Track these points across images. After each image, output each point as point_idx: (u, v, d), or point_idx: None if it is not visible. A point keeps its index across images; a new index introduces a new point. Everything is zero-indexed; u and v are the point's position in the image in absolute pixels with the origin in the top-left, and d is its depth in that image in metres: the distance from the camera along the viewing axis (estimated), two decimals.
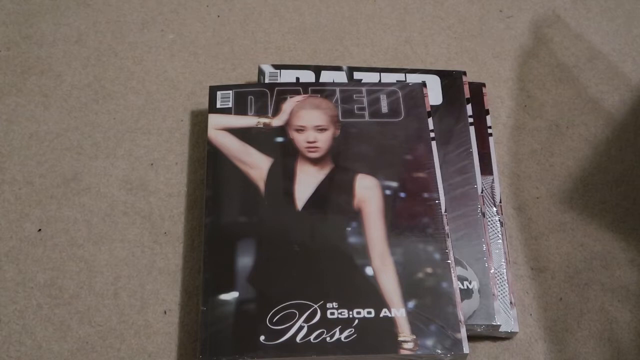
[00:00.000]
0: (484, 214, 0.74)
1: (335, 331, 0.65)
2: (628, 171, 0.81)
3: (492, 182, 0.77)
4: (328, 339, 0.65)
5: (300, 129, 0.75)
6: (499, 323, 0.69)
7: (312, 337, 0.65)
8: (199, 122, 0.82)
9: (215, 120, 0.76)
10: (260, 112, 0.77)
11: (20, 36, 0.87)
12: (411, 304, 0.67)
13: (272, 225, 0.71)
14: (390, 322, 0.66)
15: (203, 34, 0.89)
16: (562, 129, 0.84)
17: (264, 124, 0.76)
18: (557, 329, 0.72)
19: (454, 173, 0.76)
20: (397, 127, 0.76)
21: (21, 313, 0.70)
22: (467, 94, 0.81)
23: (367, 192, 0.72)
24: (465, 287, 0.70)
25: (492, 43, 0.90)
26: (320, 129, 0.76)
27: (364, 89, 0.79)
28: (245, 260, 0.69)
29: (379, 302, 0.67)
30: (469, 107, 0.80)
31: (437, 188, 0.73)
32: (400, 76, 0.82)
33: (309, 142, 0.75)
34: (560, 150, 0.82)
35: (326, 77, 0.81)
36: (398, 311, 0.66)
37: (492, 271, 0.72)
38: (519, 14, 0.93)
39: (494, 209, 0.75)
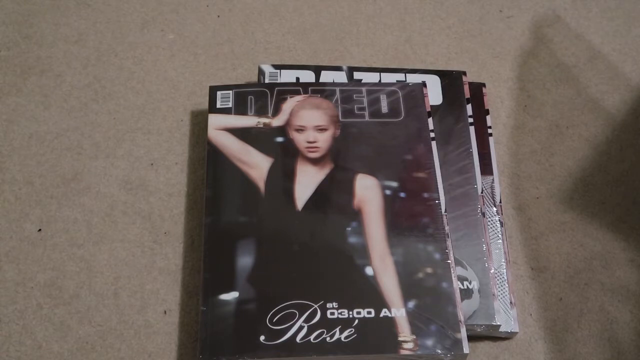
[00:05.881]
0: (484, 214, 0.74)
1: (335, 331, 0.65)
2: (628, 171, 0.81)
3: (492, 182, 0.77)
4: (328, 339, 0.65)
5: (300, 129, 0.75)
6: (499, 323, 0.69)
7: (312, 337, 0.65)
8: (199, 122, 0.82)
9: (215, 120, 0.76)
10: (260, 112, 0.77)
11: (20, 36, 0.87)
12: (411, 304, 0.67)
13: (272, 225, 0.71)
14: (390, 322, 0.66)
15: (203, 34, 0.89)
16: (562, 129, 0.84)
17: (264, 124, 0.76)
18: (557, 329, 0.72)
19: (454, 173, 0.76)
20: (397, 127, 0.76)
21: (21, 313, 0.70)
22: (467, 94, 0.81)
23: (367, 192, 0.72)
24: (465, 287, 0.70)
25: (492, 43, 0.90)
26: (320, 129, 0.76)
27: (364, 89, 0.79)
28: (245, 260, 0.69)
29: (379, 302, 0.67)
30: (469, 107, 0.80)
31: (437, 188, 0.73)
32: (400, 76, 0.82)
33: (309, 142, 0.75)
34: (560, 150, 0.82)
35: (326, 77, 0.81)
36: (398, 311, 0.66)
37: (492, 271, 0.72)
38: (519, 14, 0.93)
39: (494, 209, 0.75)
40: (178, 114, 0.83)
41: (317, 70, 0.82)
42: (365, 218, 0.71)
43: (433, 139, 0.76)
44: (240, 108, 0.77)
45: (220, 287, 0.68)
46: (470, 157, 0.77)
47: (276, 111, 0.77)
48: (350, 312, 0.66)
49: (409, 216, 0.71)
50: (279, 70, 0.82)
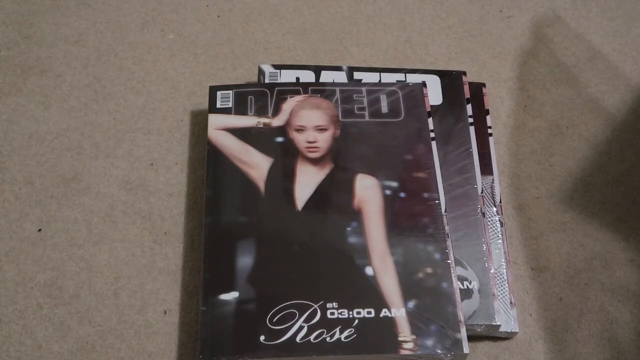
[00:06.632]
0: (484, 214, 0.74)
1: (335, 331, 0.65)
2: (628, 171, 0.81)
3: (492, 182, 0.77)
4: (328, 339, 0.65)
5: (300, 129, 0.75)
6: (499, 323, 0.69)
7: (312, 337, 0.65)
8: (199, 122, 0.82)
9: (215, 120, 0.76)
10: (260, 112, 0.77)
11: (20, 36, 0.87)
12: (411, 304, 0.67)
13: (272, 225, 0.71)
14: (390, 322, 0.66)
15: (203, 34, 0.89)
16: (562, 129, 0.84)
17: (264, 124, 0.76)
18: (557, 329, 0.72)
19: (454, 173, 0.76)
20: (397, 127, 0.76)
21: (21, 313, 0.70)
22: (467, 94, 0.81)
23: (367, 192, 0.72)
24: (465, 287, 0.70)
25: (492, 43, 0.90)
26: (320, 129, 0.76)
27: (364, 89, 0.79)
28: (245, 260, 0.69)
29: (379, 302, 0.67)
30: (469, 107, 0.80)
31: (437, 188, 0.73)
32: (400, 76, 0.82)
33: (309, 142, 0.75)
34: (560, 150, 0.82)
35: (326, 77, 0.81)
36: (398, 311, 0.66)
37: (492, 271, 0.72)
38: (519, 14, 0.93)
39: (494, 209, 0.76)
40: (178, 114, 0.83)
41: (317, 70, 0.82)
42: (365, 218, 0.71)
43: (433, 139, 0.76)
44: (240, 108, 0.77)
45: (220, 287, 0.68)
46: (470, 157, 0.77)
47: (276, 111, 0.77)
48: (350, 312, 0.66)
49: (409, 216, 0.71)
50: (279, 70, 0.82)
